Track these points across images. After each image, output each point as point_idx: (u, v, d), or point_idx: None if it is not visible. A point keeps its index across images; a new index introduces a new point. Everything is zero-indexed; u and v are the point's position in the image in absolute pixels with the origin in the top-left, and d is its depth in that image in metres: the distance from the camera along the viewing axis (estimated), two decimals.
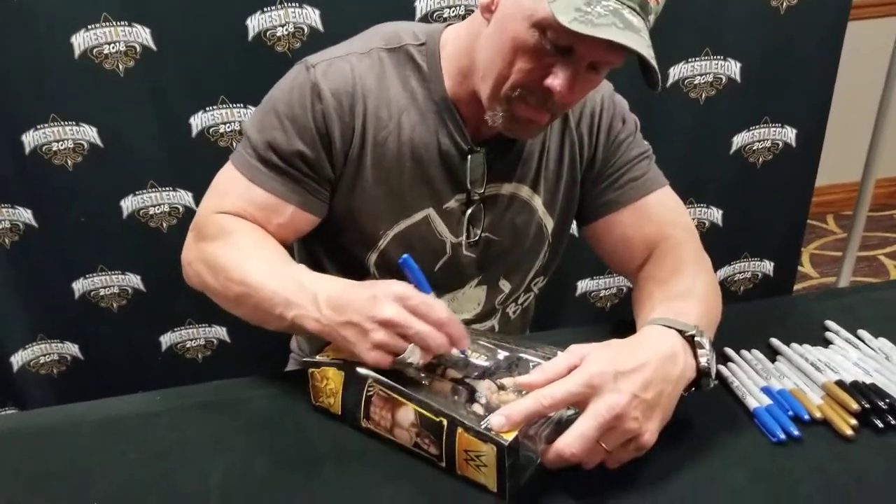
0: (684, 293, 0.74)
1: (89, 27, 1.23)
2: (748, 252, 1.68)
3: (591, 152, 0.90)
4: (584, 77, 0.73)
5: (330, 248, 0.92)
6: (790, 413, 0.67)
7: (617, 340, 0.66)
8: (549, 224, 0.92)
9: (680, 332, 0.66)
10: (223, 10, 1.26)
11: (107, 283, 1.47)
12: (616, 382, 0.59)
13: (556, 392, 0.59)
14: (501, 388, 0.67)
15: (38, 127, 1.30)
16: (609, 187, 0.90)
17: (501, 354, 0.72)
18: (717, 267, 1.68)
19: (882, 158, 1.65)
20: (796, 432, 0.65)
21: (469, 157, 0.84)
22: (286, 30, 1.28)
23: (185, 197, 1.42)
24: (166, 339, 1.55)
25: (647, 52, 0.68)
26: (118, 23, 1.24)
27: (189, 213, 1.43)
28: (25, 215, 1.39)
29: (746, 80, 1.47)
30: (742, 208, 1.61)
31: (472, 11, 0.88)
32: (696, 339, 0.65)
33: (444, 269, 0.90)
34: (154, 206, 1.41)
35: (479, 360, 0.72)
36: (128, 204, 1.40)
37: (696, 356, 0.65)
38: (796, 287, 1.82)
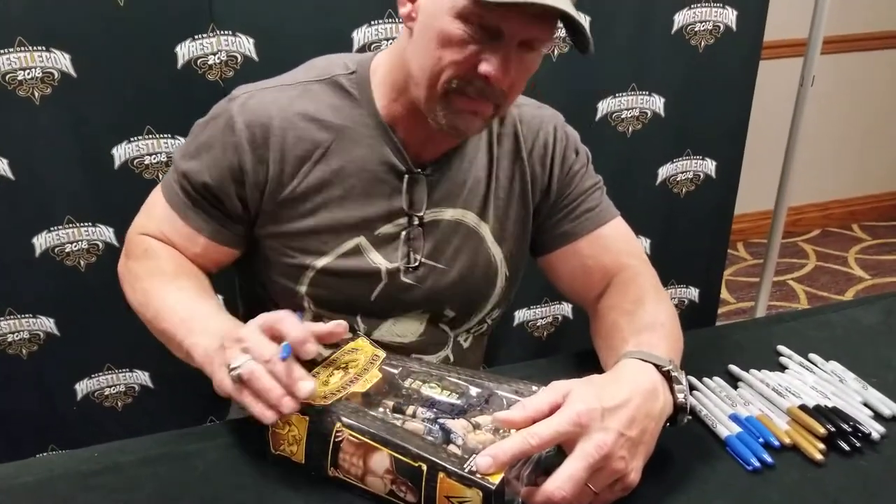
0: (651, 325, 0.75)
1: (2, 51, 1.15)
2: (675, 279, 1.74)
3: (545, 183, 0.90)
4: (518, 58, 0.73)
5: (262, 279, 0.90)
6: (761, 440, 0.68)
7: (596, 376, 0.65)
8: (498, 254, 0.91)
9: (657, 366, 0.66)
10: (150, 36, 1.20)
11: (15, 328, 1.34)
12: (603, 420, 0.58)
13: (545, 431, 0.58)
14: (477, 426, 0.65)
15: None
16: (565, 218, 0.90)
17: (473, 391, 0.70)
18: None
19: (790, 188, 1.76)
20: (770, 459, 0.66)
21: (407, 178, 0.83)
22: (218, 58, 1.24)
23: (105, 233, 1.33)
24: (82, 387, 1.43)
25: (572, 11, 0.68)
26: (34, 48, 1.16)
27: (110, 250, 1.34)
28: None
29: (670, 114, 1.54)
30: (668, 237, 1.67)
31: None
32: (672, 374, 0.66)
33: (383, 296, 0.88)
34: (71, 242, 1.31)
35: (451, 397, 0.69)
36: (41, 241, 1.29)
37: (672, 391, 0.65)
38: (718, 312, 1.90)
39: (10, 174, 1.23)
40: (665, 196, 1.63)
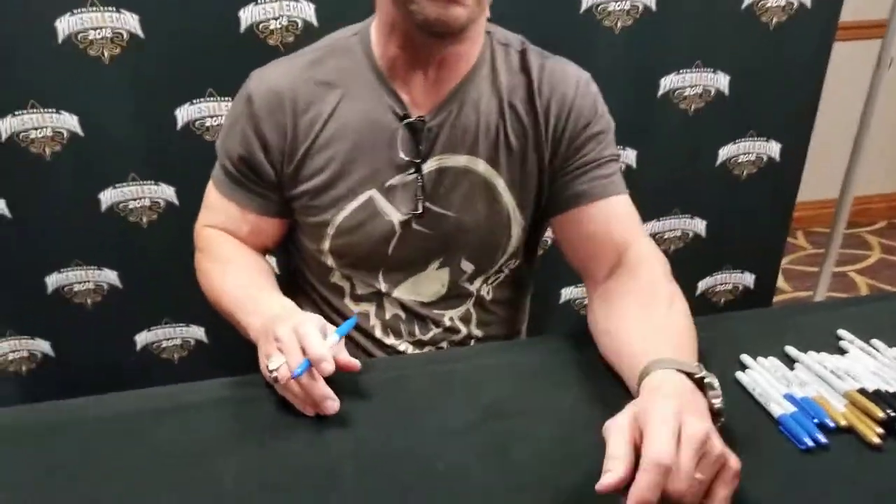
0: (672, 325, 0.72)
1: (75, 11, 1.18)
2: (730, 264, 1.70)
3: (557, 137, 0.87)
4: None
5: (296, 246, 0.97)
6: (815, 421, 0.67)
7: (637, 400, 0.60)
8: (512, 202, 0.90)
9: (688, 374, 0.63)
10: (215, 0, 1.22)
11: (82, 279, 1.40)
12: (689, 416, 0.55)
13: (664, 443, 0.52)
14: None
15: (17, 113, 1.24)
16: (576, 179, 0.87)
17: None
18: (698, 278, 1.70)
19: (857, 177, 1.70)
20: (824, 439, 0.64)
21: (407, 126, 0.84)
22: (279, 23, 1.25)
23: (167, 191, 1.36)
24: (142, 338, 1.49)
25: None
26: (105, 8, 1.19)
27: (170, 209, 1.38)
28: None
29: (734, 93, 1.49)
30: (725, 220, 1.63)
31: None
32: (705, 380, 0.63)
33: (399, 249, 0.90)
34: (134, 199, 1.36)
35: None
36: (107, 196, 1.34)
37: (706, 397, 0.62)
38: (773, 300, 1.85)
39: (79, 131, 1.27)
40: (725, 178, 1.58)
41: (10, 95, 1.23)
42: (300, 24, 1.26)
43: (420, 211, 0.87)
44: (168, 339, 1.51)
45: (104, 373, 1.48)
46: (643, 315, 0.74)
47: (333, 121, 0.85)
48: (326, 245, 0.90)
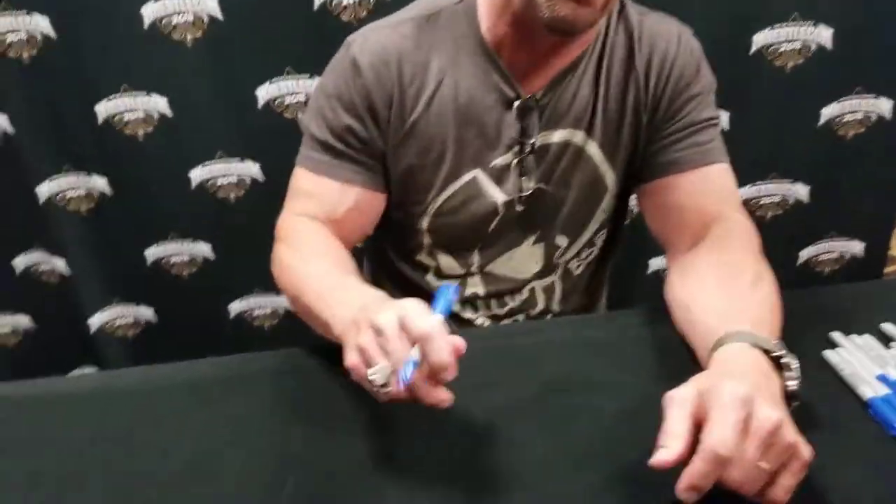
0: (754, 301, 0.66)
1: None
2: (835, 231, 1.58)
3: (656, 99, 0.82)
4: None
5: (384, 220, 0.92)
6: None
7: (707, 372, 0.57)
8: (607, 170, 0.85)
9: (765, 350, 0.58)
10: None
11: (177, 251, 1.49)
12: (761, 402, 0.51)
13: (726, 433, 0.48)
14: None
15: (111, 97, 1.31)
16: (670, 146, 0.82)
17: None
18: (801, 246, 1.60)
19: None
20: None
21: (516, 106, 0.80)
22: None
23: (252, 168, 1.41)
24: (235, 307, 1.57)
25: None
26: None
27: (255, 185, 1.43)
28: (101, 183, 1.41)
29: (838, 47, 1.37)
30: (830, 184, 1.52)
31: None
32: (783, 360, 0.58)
33: (498, 229, 0.88)
34: (222, 176, 1.41)
35: None
36: (196, 174, 1.40)
37: (782, 377, 0.58)
38: (885, 271, 1.71)
39: (169, 112, 1.33)
40: (828, 139, 1.46)
41: (104, 80, 1.30)
42: (372, 0, 1.26)
43: (526, 193, 0.84)
44: (259, 308, 1.57)
45: (202, 340, 1.57)
46: (723, 289, 0.69)
47: (438, 96, 0.81)
48: (424, 223, 0.88)
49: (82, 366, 1.70)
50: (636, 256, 1.56)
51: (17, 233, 1.50)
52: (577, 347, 0.76)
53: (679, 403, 0.51)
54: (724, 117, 1.41)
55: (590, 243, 0.93)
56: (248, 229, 1.45)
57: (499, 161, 0.83)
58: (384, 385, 0.54)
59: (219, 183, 1.42)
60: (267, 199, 1.42)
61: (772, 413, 0.50)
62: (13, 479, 0.63)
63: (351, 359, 0.57)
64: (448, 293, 0.59)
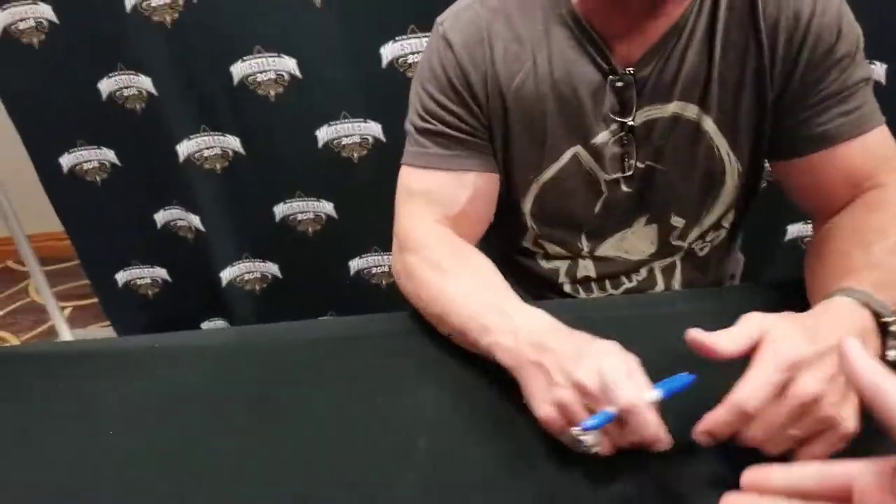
0: (886, 262, 0.61)
1: None
2: None
3: (788, 67, 0.71)
4: None
5: None
6: None
7: (797, 314, 0.54)
8: (725, 146, 0.78)
9: (875, 313, 0.54)
10: None
11: (303, 209, 1.55)
12: (812, 365, 0.49)
13: (757, 391, 0.48)
14: None
15: (245, 58, 1.37)
16: (811, 120, 0.72)
17: None
18: None
19: None
20: None
21: (613, 81, 0.75)
22: None
23: (374, 128, 1.44)
24: (354, 265, 1.62)
25: None
26: None
27: (378, 145, 1.46)
28: (234, 143, 1.48)
29: None
30: None
31: None
32: (890, 328, 0.53)
33: (605, 208, 0.83)
34: (346, 136, 1.45)
35: None
36: (322, 133, 1.45)
37: (884, 346, 0.53)
38: None
39: (298, 73, 1.38)
40: None
41: (239, 42, 1.36)
42: None
43: (632, 171, 0.80)
44: (377, 267, 1.62)
45: (323, 295, 1.64)
46: (858, 248, 0.64)
47: (534, 73, 0.77)
48: (528, 206, 0.85)
49: (212, 317, 1.82)
50: (772, 222, 1.49)
51: (159, 190, 1.61)
52: (694, 320, 0.68)
53: (747, 322, 0.52)
54: (881, 70, 1.30)
55: (716, 226, 0.87)
56: (369, 188, 1.49)
57: (600, 138, 0.78)
58: (583, 443, 0.53)
59: (343, 143, 1.46)
60: (388, 159, 1.45)
61: (815, 385, 0.48)
62: (161, 427, 0.67)
63: (547, 413, 0.55)
64: (682, 381, 0.54)
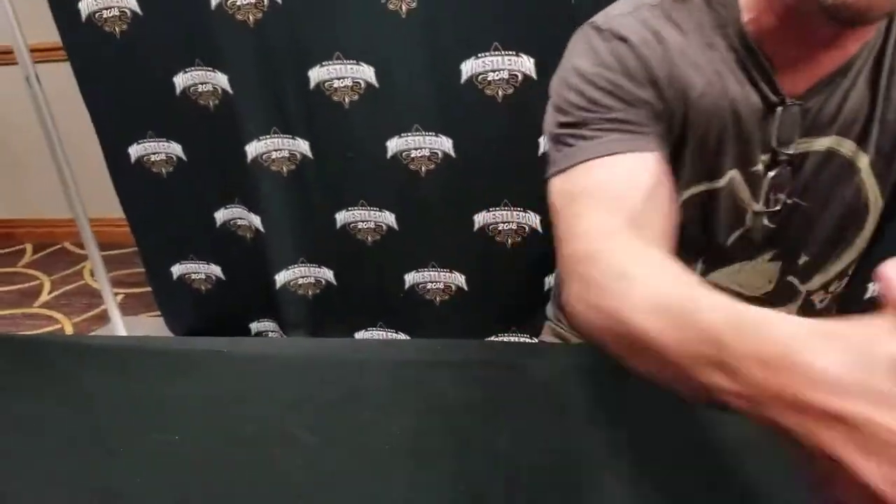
0: None
1: None
2: None
3: None
4: None
5: None
6: None
7: None
8: (875, 191, 0.74)
9: None
10: None
11: (365, 218, 1.54)
12: None
13: None
14: None
15: (324, 64, 1.36)
16: None
17: None
18: None
19: None
20: None
21: (778, 110, 0.71)
22: None
23: (445, 143, 1.42)
24: (410, 278, 1.60)
25: None
26: None
27: (447, 160, 1.43)
28: (303, 146, 1.48)
29: None
30: None
31: None
32: None
33: (739, 239, 0.79)
34: (416, 149, 1.43)
35: None
36: (393, 144, 1.43)
37: None
38: None
39: (375, 82, 1.37)
40: None
41: (320, 47, 1.35)
42: None
43: (778, 207, 0.75)
44: (433, 283, 1.60)
45: (376, 305, 1.62)
46: None
47: (699, 88, 0.71)
48: None
49: (261, 319, 1.81)
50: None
51: (223, 187, 1.61)
52: None
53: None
54: None
55: (841, 275, 0.82)
56: (432, 203, 1.46)
57: (758, 167, 0.75)
58: None
59: (412, 155, 1.44)
60: (455, 175, 1.43)
61: None
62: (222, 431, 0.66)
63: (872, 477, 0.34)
64: None
